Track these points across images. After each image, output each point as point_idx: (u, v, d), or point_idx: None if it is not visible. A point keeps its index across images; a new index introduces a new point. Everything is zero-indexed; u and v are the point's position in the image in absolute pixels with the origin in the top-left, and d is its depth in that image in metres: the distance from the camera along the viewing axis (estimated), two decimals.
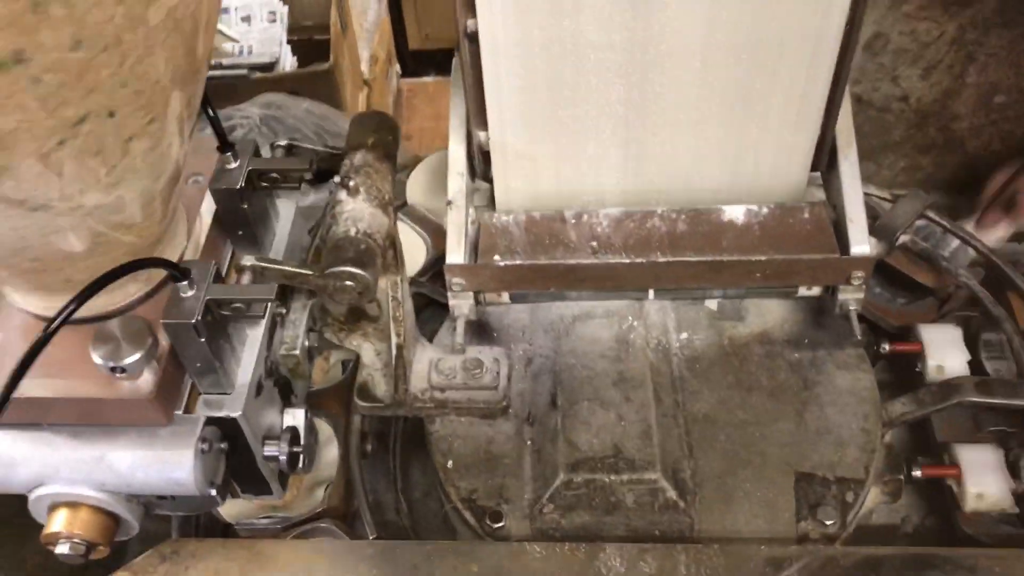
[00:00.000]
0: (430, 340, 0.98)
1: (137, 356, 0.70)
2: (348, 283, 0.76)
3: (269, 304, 0.75)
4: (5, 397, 0.63)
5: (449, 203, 0.90)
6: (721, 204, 0.90)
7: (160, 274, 0.77)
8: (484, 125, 0.89)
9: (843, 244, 0.87)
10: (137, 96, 0.57)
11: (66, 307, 0.63)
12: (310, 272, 0.76)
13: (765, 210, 0.89)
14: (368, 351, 0.91)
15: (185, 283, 0.70)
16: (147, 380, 0.72)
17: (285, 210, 0.90)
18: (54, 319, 0.63)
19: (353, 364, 1.01)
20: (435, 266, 1.10)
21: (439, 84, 2.96)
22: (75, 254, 0.70)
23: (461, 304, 0.91)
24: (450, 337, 0.94)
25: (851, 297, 0.88)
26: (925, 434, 0.95)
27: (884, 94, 1.22)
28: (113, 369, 0.70)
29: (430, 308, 1.08)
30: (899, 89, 1.22)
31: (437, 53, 2.89)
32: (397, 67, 2.90)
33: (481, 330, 0.97)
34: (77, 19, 0.49)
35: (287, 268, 0.76)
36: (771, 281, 0.88)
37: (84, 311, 0.76)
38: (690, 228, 0.89)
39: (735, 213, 0.89)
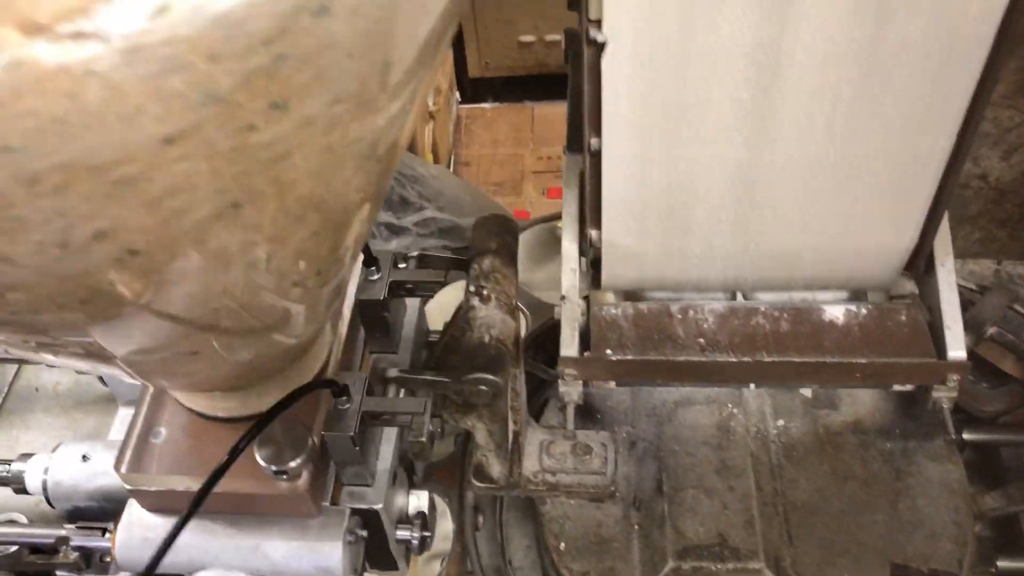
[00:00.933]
0: (535, 417, 1.04)
1: (298, 461, 0.76)
2: (483, 388, 0.82)
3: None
4: (200, 499, 0.70)
5: (563, 298, 0.96)
6: (819, 289, 0.95)
7: (306, 379, 0.83)
8: (597, 224, 0.95)
9: (939, 347, 0.91)
10: (328, 218, 0.63)
11: (251, 429, 0.70)
12: (448, 380, 0.82)
13: (864, 311, 0.94)
14: (482, 431, 0.97)
15: (344, 398, 0.77)
16: (303, 478, 0.78)
17: (411, 303, 0.96)
18: (242, 440, 0.69)
19: (464, 439, 1.07)
20: (534, 339, 1.16)
21: (497, 111, 3.02)
22: (240, 361, 0.77)
23: (571, 391, 0.97)
24: (556, 418, 1.00)
25: (945, 395, 0.93)
26: (1013, 528, 1.00)
27: (965, 172, 1.26)
28: (277, 472, 0.76)
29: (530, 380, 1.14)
30: (979, 168, 1.26)
31: (495, 80, 2.95)
32: (457, 94, 2.97)
33: (586, 411, 1.02)
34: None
35: (429, 378, 0.82)
36: (869, 381, 0.93)
37: (242, 411, 0.83)
38: (793, 327, 0.94)
39: (835, 313, 0.94)
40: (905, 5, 0.72)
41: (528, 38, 2.84)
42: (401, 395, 0.85)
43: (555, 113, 2.91)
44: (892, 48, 0.74)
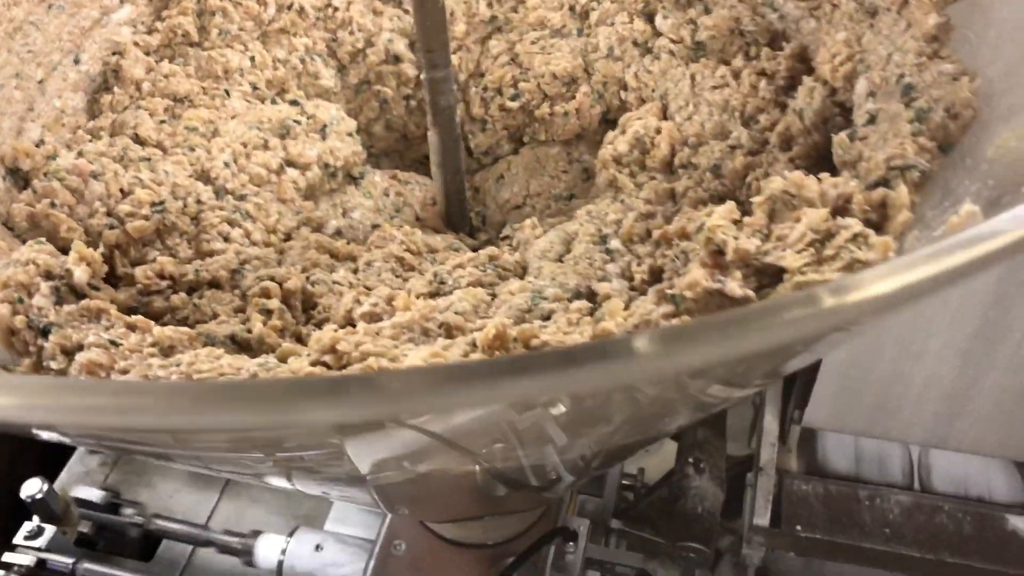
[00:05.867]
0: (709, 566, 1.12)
1: None
2: (692, 556, 0.91)
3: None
4: None
5: (760, 469, 1.04)
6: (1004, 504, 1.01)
7: (533, 519, 0.93)
8: (801, 406, 1.03)
9: None
10: (641, 437, 0.72)
11: (513, 564, 0.80)
12: (663, 542, 0.91)
13: None
14: (662, 575, 1.06)
15: (572, 543, 0.86)
16: None
17: None
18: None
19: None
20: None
21: None
22: (495, 499, 0.87)
23: (753, 555, 1.05)
24: (731, 571, 1.08)
25: None
26: None
27: None
28: None
29: None
30: None
31: None
32: None
33: (760, 572, 1.10)
34: None
35: (649, 537, 0.91)
36: None
37: (478, 539, 0.94)
38: (976, 532, 1.00)
39: (1018, 524, 1.00)
40: None
41: None
42: (619, 547, 0.94)
43: None
44: None
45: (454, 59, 0.75)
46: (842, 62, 0.58)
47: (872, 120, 0.53)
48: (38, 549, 1.06)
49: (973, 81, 0.51)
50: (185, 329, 0.48)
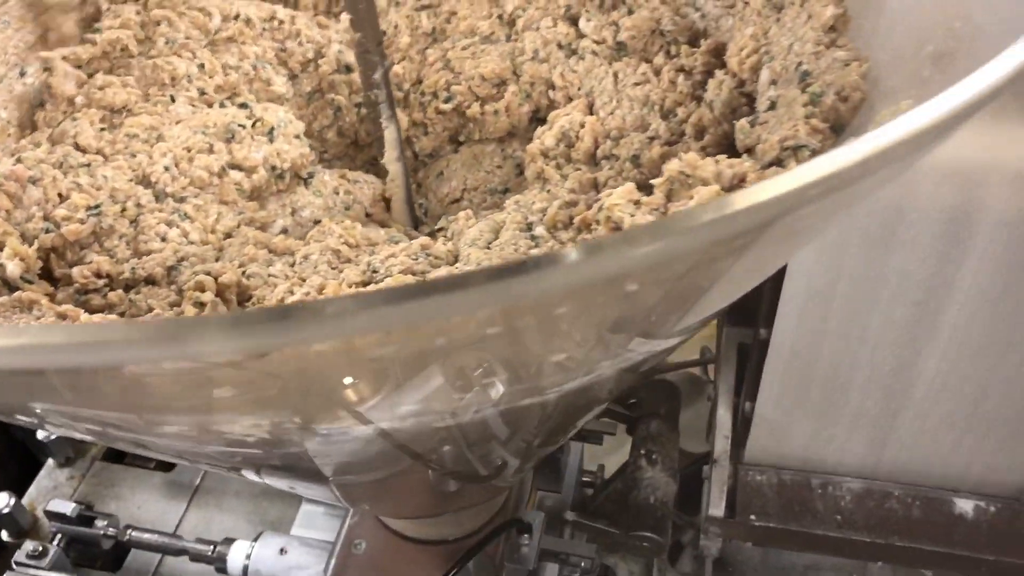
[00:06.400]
0: (669, 558, 1.14)
1: None
2: (646, 545, 0.93)
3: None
4: None
5: (714, 461, 1.06)
6: (953, 488, 1.03)
7: (490, 513, 0.95)
8: (752, 398, 1.05)
9: None
10: (577, 409, 0.74)
11: (461, 560, 0.82)
12: (618, 532, 0.93)
13: (993, 508, 1.02)
14: (623, 571, 1.08)
15: (527, 535, 0.88)
16: None
17: (575, 446, 1.08)
18: (450, 570, 0.81)
19: (602, 569, 1.18)
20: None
21: None
22: (446, 495, 0.89)
23: (711, 546, 1.07)
24: (691, 564, 1.10)
25: None
26: None
27: None
28: None
29: None
30: None
31: None
32: None
33: (718, 562, 1.12)
34: None
35: (603, 527, 0.93)
36: None
37: (435, 535, 0.95)
38: (924, 515, 1.02)
39: (966, 507, 1.02)
40: None
41: None
42: (573, 539, 0.96)
43: None
44: None
45: (398, 69, 0.78)
46: (749, 54, 0.61)
47: (772, 106, 0.56)
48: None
49: (862, 66, 0.54)
50: (115, 317, 0.50)
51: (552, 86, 0.72)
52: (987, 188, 0.80)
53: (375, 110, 0.70)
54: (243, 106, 0.73)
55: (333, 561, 0.93)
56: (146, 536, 1.10)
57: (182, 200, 0.67)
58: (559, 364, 0.40)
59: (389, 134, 0.71)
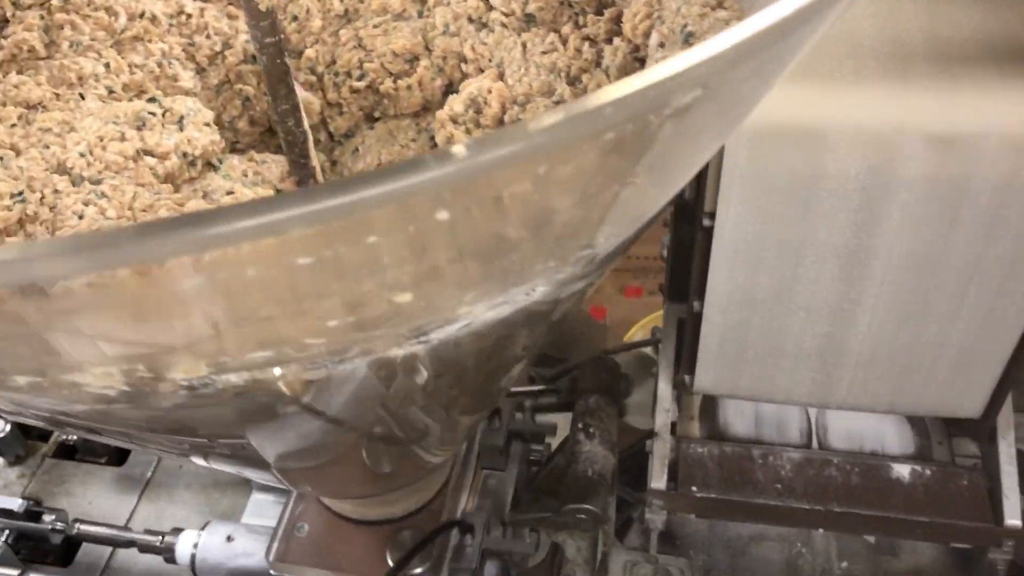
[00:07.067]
0: (618, 534, 1.15)
1: (424, 567, 0.89)
2: (583, 517, 0.94)
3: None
4: None
5: (655, 435, 1.08)
6: (889, 452, 1.05)
7: (432, 492, 0.96)
8: (691, 371, 1.07)
9: (997, 514, 1.00)
10: (493, 367, 0.75)
11: (408, 555, 0.83)
12: (552, 515, 0.94)
13: (928, 472, 1.04)
14: (572, 547, 1.09)
15: (469, 535, 0.89)
16: None
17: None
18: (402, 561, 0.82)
19: (553, 550, 1.19)
20: (621, 461, 1.27)
21: None
22: (381, 474, 0.90)
23: (656, 519, 1.08)
24: (639, 539, 1.11)
25: (1000, 558, 1.02)
26: None
27: None
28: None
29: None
30: None
31: None
32: None
33: (666, 536, 1.13)
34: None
35: (537, 516, 0.94)
36: (930, 538, 1.02)
37: (375, 516, 0.96)
38: (862, 482, 1.04)
39: (902, 471, 1.04)
40: (971, 230, 0.84)
41: None
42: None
43: None
44: (961, 260, 0.86)
45: (311, 52, 0.79)
46: (641, 20, 0.62)
47: None
48: None
49: None
50: None
51: (464, 59, 0.73)
52: (898, 151, 0.81)
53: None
54: (152, 100, 0.74)
55: (275, 545, 0.94)
56: (94, 529, 1.11)
57: (98, 182, 0.67)
58: (459, 281, 0.39)
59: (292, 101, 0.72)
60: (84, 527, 1.11)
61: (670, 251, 1.12)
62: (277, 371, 0.39)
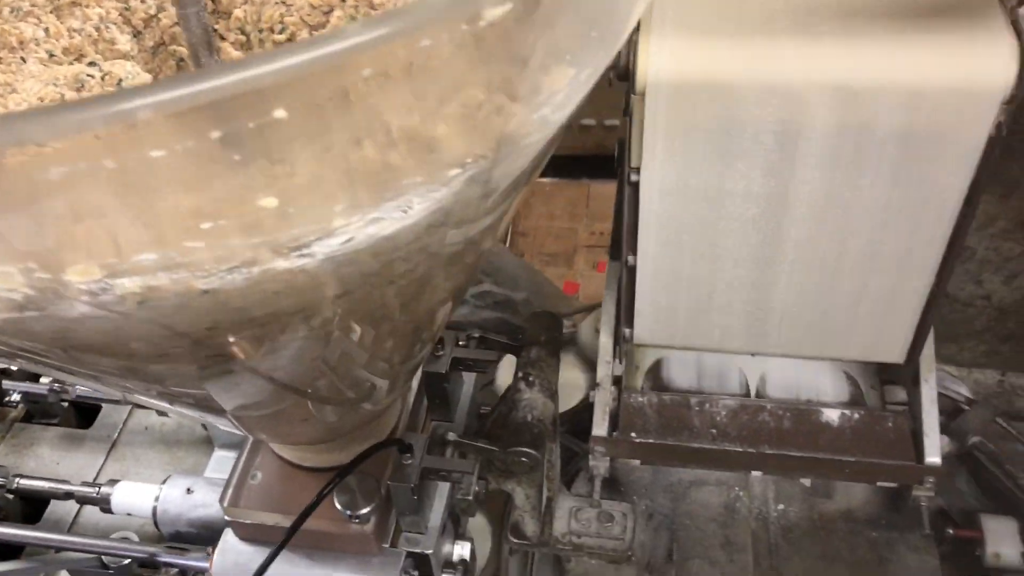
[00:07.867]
0: (567, 484, 1.20)
1: (369, 507, 0.93)
2: (524, 459, 0.99)
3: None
4: (292, 532, 0.88)
5: (597, 385, 1.12)
6: (818, 399, 1.10)
7: (380, 439, 1.01)
8: (630, 324, 1.11)
9: (919, 453, 1.06)
10: (417, 313, 0.79)
11: (334, 478, 0.88)
12: (496, 450, 0.99)
13: (856, 415, 1.09)
14: (520, 495, 1.14)
15: (408, 454, 0.94)
16: (371, 523, 0.95)
17: (468, 377, 1.14)
18: (327, 486, 0.87)
19: (504, 500, 1.24)
20: (572, 416, 1.32)
21: (555, 186, 3.21)
22: (329, 422, 0.94)
23: (599, 466, 1.13)
24: (585, 487, 1.16)
25: (923, 494, 1.07)
26: None
27: (968, 293, 1.40)
28: (351, 516, 0.93)
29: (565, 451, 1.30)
30: (982, 290, 1.40)
31: (556, 158, 3.14)
32: None
33: (611, 483, 1.18)
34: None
35: (480, 445, 0.99)
36: (857, 477, 1.07)
37: (325, 463, 1.01)
38: (794, 426, 1.09)
39: (832, 416, 1.09)
40: (878, 177, 0.89)
41: (589, 122, 3.02)
42: (455, 457, 1.02)
43: (610, 191, 3.09)
44: (871, 206, 0.91)
45: (239, 13, 0.83)
46: None
47: None
48: None
49: None
50: None
51: (372, 6, 0.78)
52: (806, 103, 0.86)
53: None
54: (92, 64, 0.78)
55: (229, 492, 0.98)
56: (34, 483, 1.15)
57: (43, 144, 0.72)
58: (321, 189, 0.42)
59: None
60: (24, 481, 1.15)
61: (616, 210, 1.17)
62: (165, 277, 0.42)
